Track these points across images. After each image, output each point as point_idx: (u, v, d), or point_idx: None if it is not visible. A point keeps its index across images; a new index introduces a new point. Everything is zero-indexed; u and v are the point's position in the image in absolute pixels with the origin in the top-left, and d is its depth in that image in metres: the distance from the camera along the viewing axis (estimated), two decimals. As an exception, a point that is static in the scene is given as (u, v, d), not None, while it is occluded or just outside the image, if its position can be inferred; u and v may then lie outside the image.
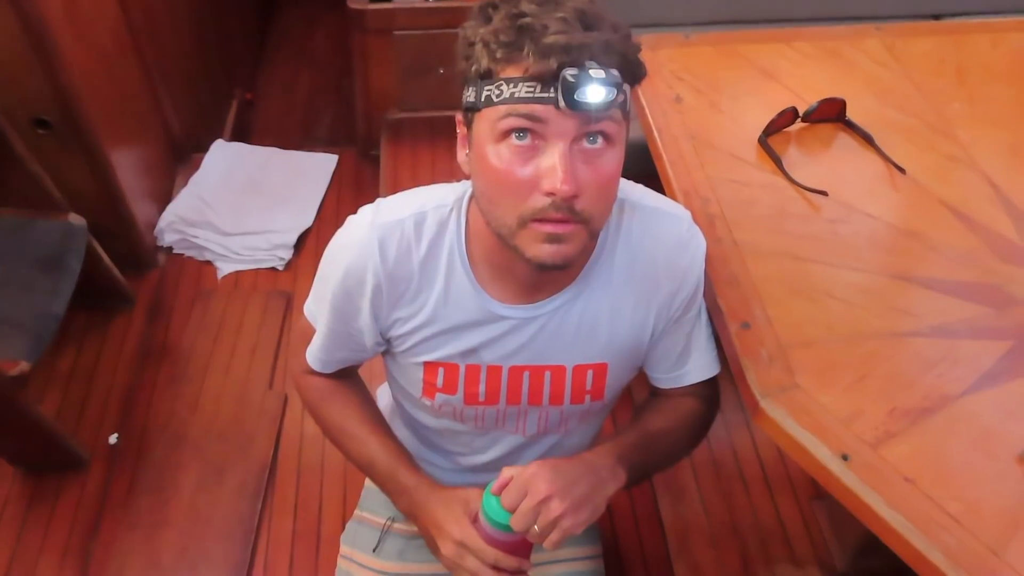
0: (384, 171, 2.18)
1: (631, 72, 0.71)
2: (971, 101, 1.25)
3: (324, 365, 0.96)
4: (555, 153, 0.69)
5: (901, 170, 1.12)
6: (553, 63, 0.66)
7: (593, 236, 0.75)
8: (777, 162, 1.11)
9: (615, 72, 0.67)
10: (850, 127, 1.18)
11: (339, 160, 2.36)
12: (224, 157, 2.31)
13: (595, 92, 0.66)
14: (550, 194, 0.69)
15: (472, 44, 0.71)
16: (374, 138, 2.31)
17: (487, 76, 0.70)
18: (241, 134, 2.51)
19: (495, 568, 0.79)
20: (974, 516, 0.74)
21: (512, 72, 0.68)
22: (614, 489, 0.82)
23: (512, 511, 0.76)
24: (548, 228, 0.71)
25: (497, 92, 0.69)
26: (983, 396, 0.85)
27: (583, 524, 0.77)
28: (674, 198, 1.06)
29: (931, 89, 1.26)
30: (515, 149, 0.70)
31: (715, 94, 1.23)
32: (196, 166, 2.26)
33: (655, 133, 1.14)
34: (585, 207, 0.71)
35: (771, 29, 1.42)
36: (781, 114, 1.15)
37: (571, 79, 0.65)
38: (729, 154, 1.13)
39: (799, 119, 1.17)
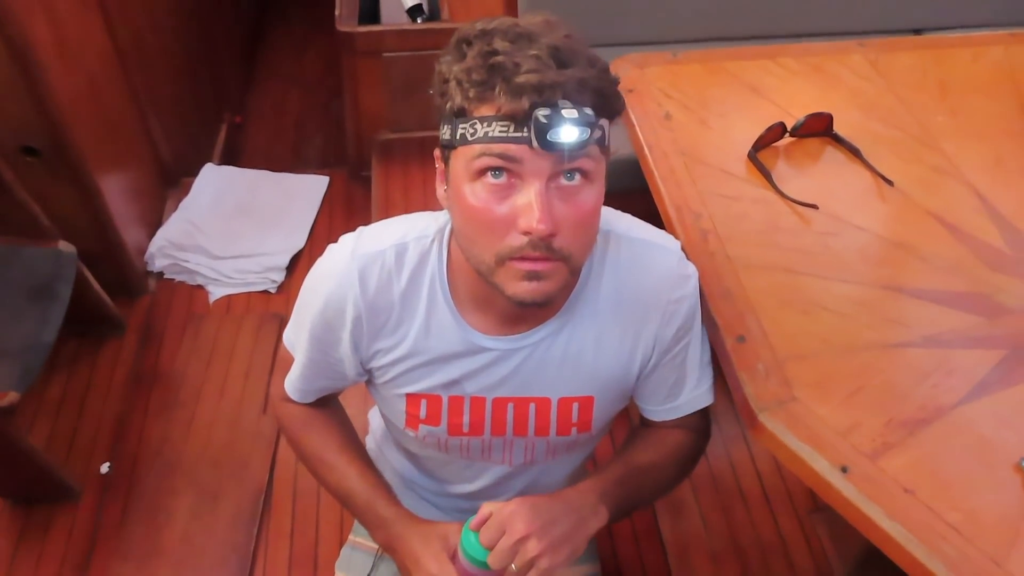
0: (375, 192, 2.19)
1: (607, 108, 0.70)
2: (954, 114, 1.27)
3: (303, 395, 0.95)
4: (531, 191, 0.68)
5: (889, 182, 1.13)
6: (525, 103, 0.65)
7: (574, 272, 0.75)
8: (767, 176, 1.12)
9: (588, 111, 0.66)
10: (837, 141, 1.19)
11: (330, 182, 2.37)
12: (214, 181, 2.31)
13: (568, 132, 0.65)
14: (527, 233, 0.68)
15: (447, 81, 0.70)
16: (365, 159, 2.32)
17: (461, 114, 0.69)
18: (231, 157, 2.51)
19: None
20: (974, 526, 0.74)
21: (485, 111, 0.68)
22: (596, 528, 0.81)
23: (491, 549, 0.75)
24: (527, 266, 0.70)
25: (471, 131, 0.68)
26: (978, 405, 0.85)
27: (561, 564, 0.76)
28: (666, 214, 1.06)
29: (915, 102, 1.28)
30: (491, 187, 0.69)
31: (704, 111, 1.24)
32: (186, 190, 2.26)
33: (646, 150, 1.15)
34: (563, 245, 0.70)
35: (757, 46, 1.43)
36: (769, 129, 1.16)
37: (543, 120, 0.65)
38: (719, 169, 1.14)
39: (787, 134, 1.19)
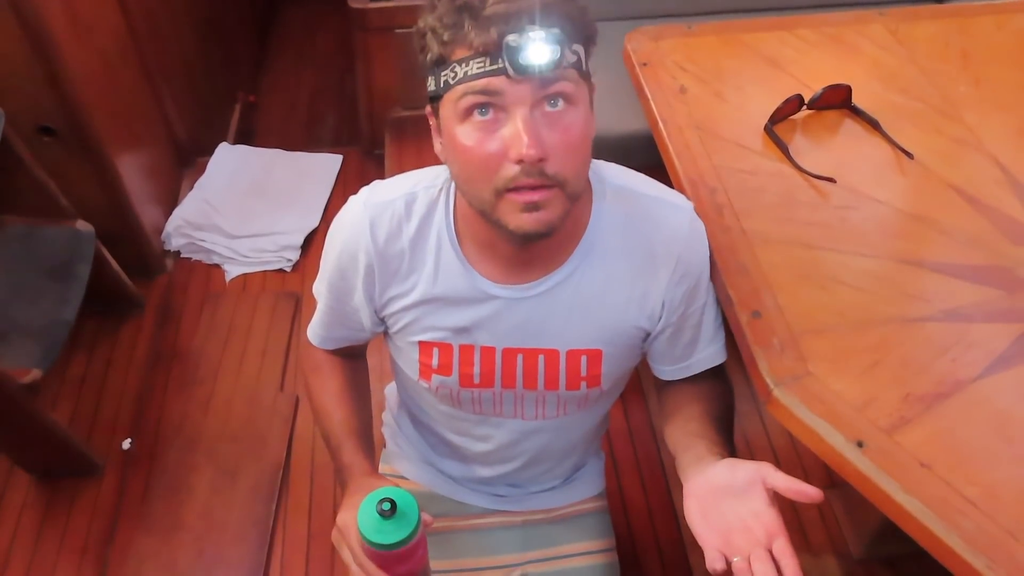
0: (389, 170, 2.19)
1: (579, 31, 0.72)
2: (977, 84, 1.24)
3: (323, 341, 0.99)
4: (517, 120, 0.70)
5: (908, 155, 1.11)
6: (494, 33, 0.67)
7: (572, 199, 0.75)
8: (784, 150, 1.11)
9: (556, 30, 0.68)
10: (856, 113, 1.17)
11: (344, 160, 2.37)
12: (229, 160, 2.32)
13: (539, 52, 0.67)
14: (519, 161, 0.70)
15: (424, 35, 0.73)
16: (378, 137, 2.31)
17: (441, 63, 0.72)
18: (245, 137, 2.51)
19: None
20: (992, 500, 0.74)
21: (461, 53, 0.70)
22: None
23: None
24: (524, 197, 0.72)
25: (452, 75, 0.71)
26: (997, 380, 0.85)
27: None
28: (681, 188, 1.05)
29: (936, 73, 1.25)
30: (479, 125, 0.71)
31: (719, 84, 1.22)
32: (201, 170, 2.27)
33: (660, 124, 1.14)
34: (557, 170, 0.72)
35: (773, 17, 1.41)
36: (786, 102, 1.14)
37: (513, 44, 0.67)
38: (735, 143, 1.12)
39: (805, 106, 1.17)
